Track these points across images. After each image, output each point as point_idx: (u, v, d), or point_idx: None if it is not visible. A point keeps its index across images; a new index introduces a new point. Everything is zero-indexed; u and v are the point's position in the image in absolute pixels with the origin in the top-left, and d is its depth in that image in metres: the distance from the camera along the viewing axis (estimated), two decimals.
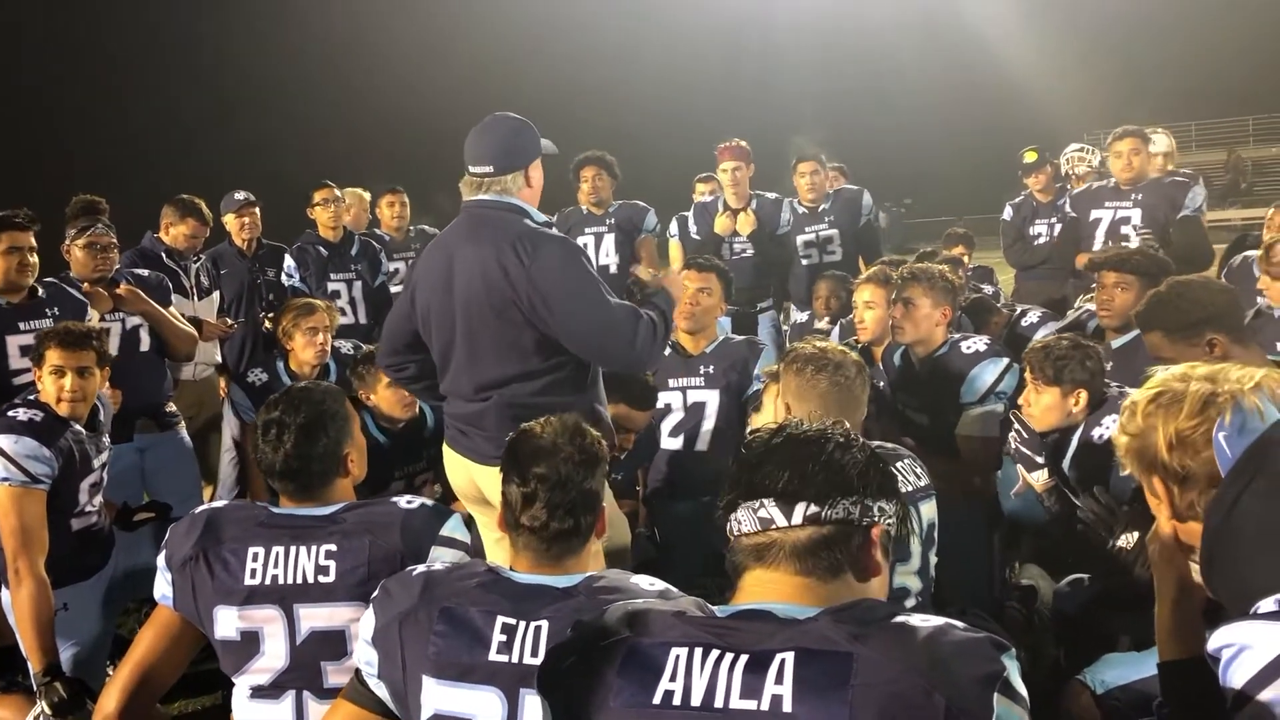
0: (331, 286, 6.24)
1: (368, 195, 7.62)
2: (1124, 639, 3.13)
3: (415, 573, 2.14)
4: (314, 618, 2.41)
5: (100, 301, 4.53)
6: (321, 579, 2.41)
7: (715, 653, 1.51)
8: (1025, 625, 3.64)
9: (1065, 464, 3.56)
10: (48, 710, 3.27)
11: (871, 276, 4.72)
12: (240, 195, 6.34)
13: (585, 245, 6.44)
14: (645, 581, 2.07)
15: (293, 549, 2.44)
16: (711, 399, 4.46)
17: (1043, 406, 3.52)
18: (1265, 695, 1.64)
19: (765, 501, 1.59)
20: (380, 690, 2.08)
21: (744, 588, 1.62)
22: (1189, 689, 1.88)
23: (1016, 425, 3.62)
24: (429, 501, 2.55)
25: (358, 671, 2.14)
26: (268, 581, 2.42)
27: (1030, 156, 7.18)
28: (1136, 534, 3.06)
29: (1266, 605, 1.68)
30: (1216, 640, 1.71)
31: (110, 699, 2.45)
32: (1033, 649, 3.58)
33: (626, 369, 3.54)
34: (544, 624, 1.96)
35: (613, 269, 6.37)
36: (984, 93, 34.65)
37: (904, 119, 36.26)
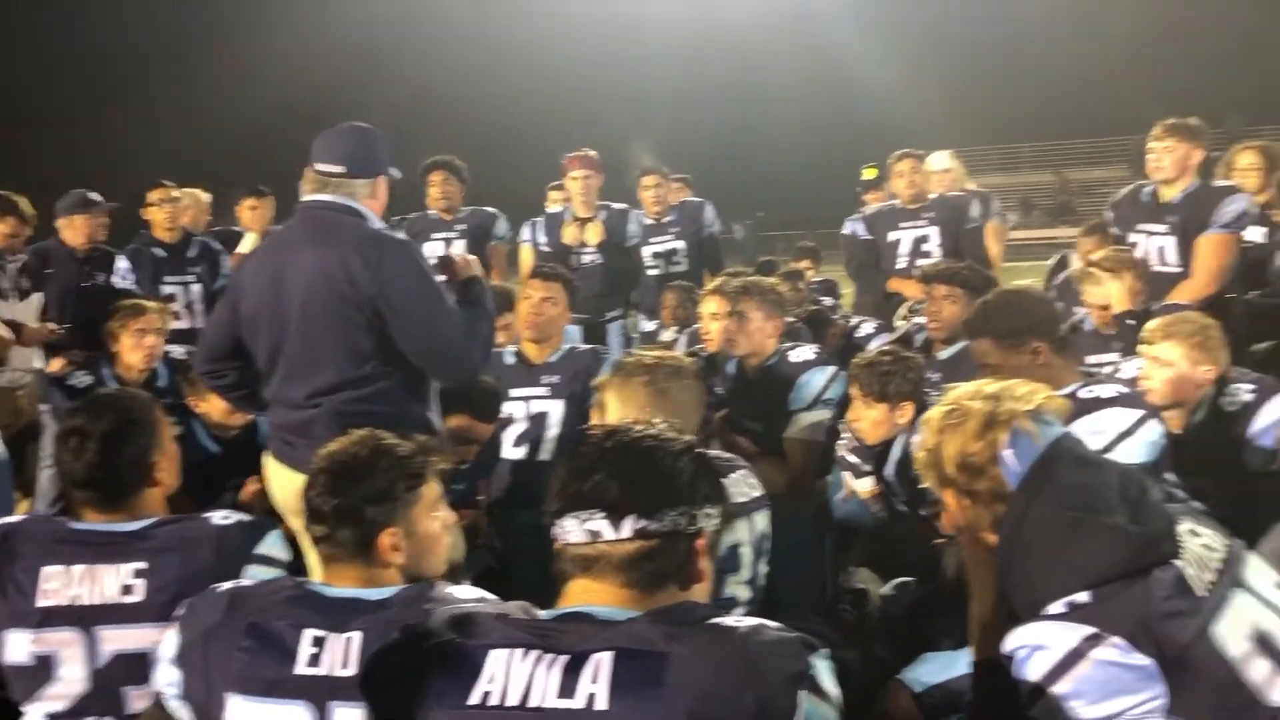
0: (166, 289, 6.02)
1: (207, 196, 7.35)
2: (946, 640, 3.26)
3: (221, 589, 2.06)
4: (118, 640, 2.30)
5: None
6: (127, 599, 2.29)
7: (535, 653, 1.54)
8: (857, 627, 3.75)
9: (889, 471, 3.69)
10: None
11: (717, 288, 4.81)
12: (93, 195, 6.00)
13: (434, 250, 6.38)
14: (461, 591, 2.04)
15: (96, 568, 2.31)
16: (555, 409, 4.45)
17: (871, 421, 3.65)
18: (1057, 689, 1.75)
19: (594, 513, 1.60)
20: (183, 713, 2.00)
21: (569, 593, 1.64)
22: (998, 686, 1.95)
23: (845, 436, 3.74)
24: (245, 517, 2.46)
25: (158, 696, 2.05)
26: (65, 602, 2.30)
27: (870, 173, 7.42)
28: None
29: (1056, 608, 1.78)
30: (1013, 641, 1.82)
31: None
32: (864, 650, 3.69)
33: (460, 379, 3.46)
34: (356, 635, 1.92)
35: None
36: (837, 109, 35.64)
37: (758, 134, 37.06)
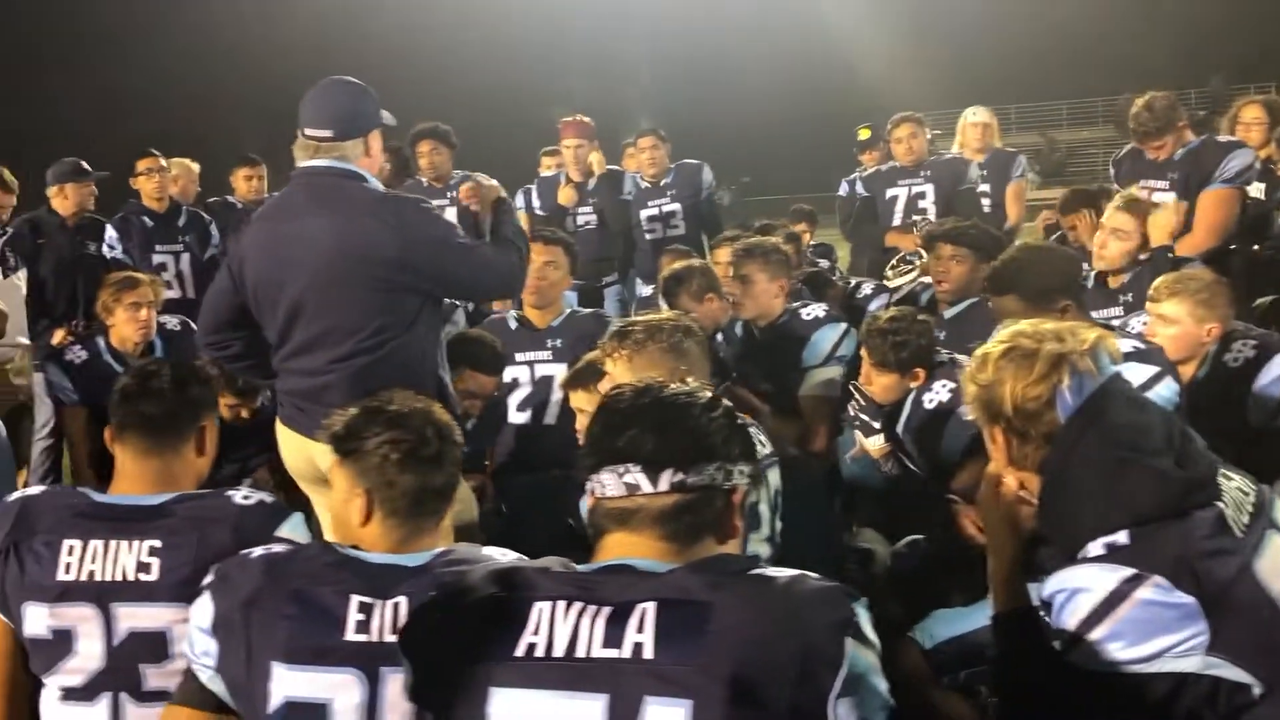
0: (157, 259, 5.97)
1: (196, 166, 7.25)
2: (956, 596, 3.27)
3: (254, 555, 2.03)
4: (133, 618, 2.26)
5: None
6: (143, 577, 2.25)
7: (579, 605, 1.53)
8: (864, 586, 3.77)
9: (899, 429, 3.69)
10: None
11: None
12: (83, 164, 5.93)
13: None
14: (497, 553, 2.04)
15: (113, 543, 2.27)
16: (559, 372, 4.42)
17: (882, 385, 3.65)
18: (1096, 633, 1.75)
19: (630, 466, 1.59)
20: (216, 685, 1.96)
21: (605, 547, 1.63)
22: (1021, 637, 1.97)
23: (856, 394, 3.72)
24: (267, 498, 2.42)
25: (189, 670, 2.02)
26: (83, 578, 2.26)
27: (864, 134, 7.41)
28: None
29: (1094, 549, 1.78)
30: (1050, 586, 1.81)
31: None
32: (872, 609, 3.71)
33: (510, 293, 3.59)
34: (402, 601, 1.91)
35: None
36: (821, 73, 35.54)
37: (741, 97, 36.89)
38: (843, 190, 6.92)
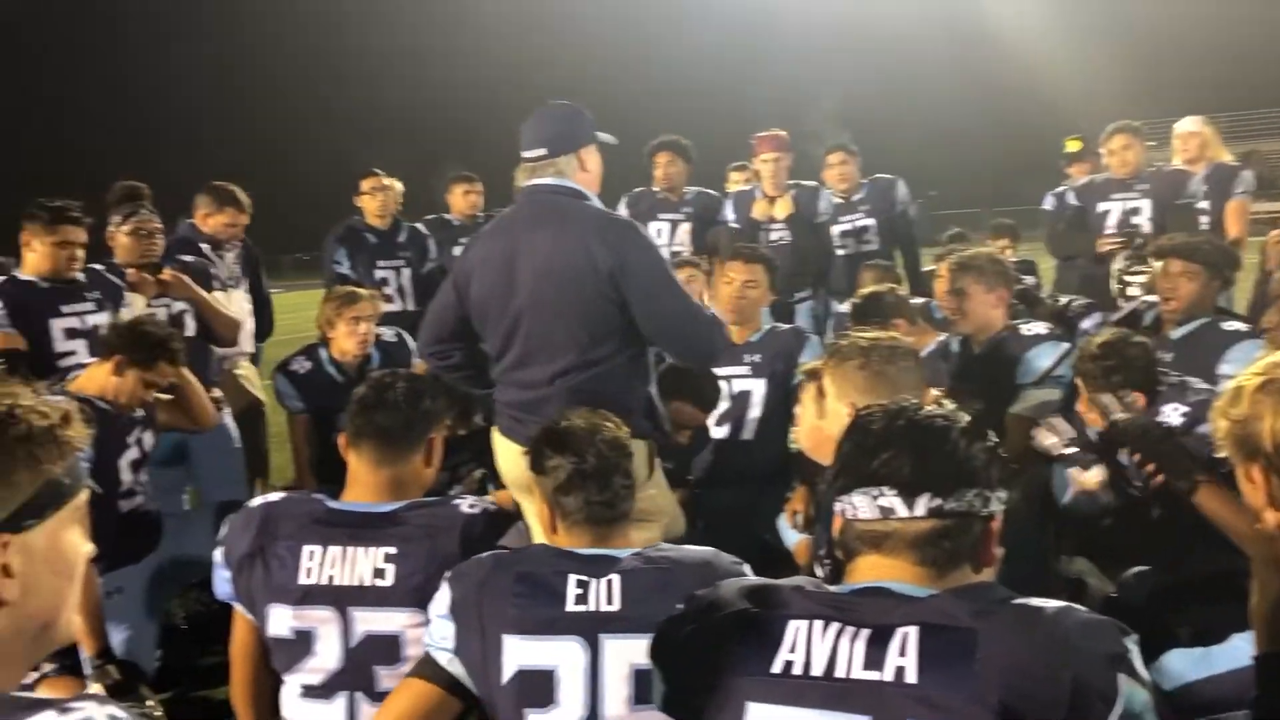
0: (379, 274, 6.24)
1: (400, 186, 7.54)
2: (1184, 631, 3.09)
3: (484, 556, 2.23)
4: (369, 621, 2.39)
5: (146, 287, 4.53)
6: (379, 582, 2.38)
7: (835, 625, 1.53)
8: None
9: (1123, 456, 3.50)
10: (102, 693, 3.27)
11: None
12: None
13: (659, 231, 6.46)
14: (694, 549, 2.18)
15: (349, 550, 2.41)
16: (757, 388, 4.43)
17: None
18: None
19: (885, 490, 1.57)
20: (455, 668, 2.11)
21: (858, 569, 1.62)
22: None
23: (1052, 429, 3.56)
24: (491, 506, 2.55)
25: (427, 653, 2.16)
26: (323, 581, 2.40)
27: (1073, 145, 7.13)
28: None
29: None
30: None
31: None
32: None
33: (700, 360, 3.50)
34: (615, 578, 2.09)
35: (685, 256, 6.26)
36: (1009, 85, 34.40)
37: (928, 111, 36.08)
38: (1048, 204, 6.67)
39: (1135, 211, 5.98)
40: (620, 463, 2.25)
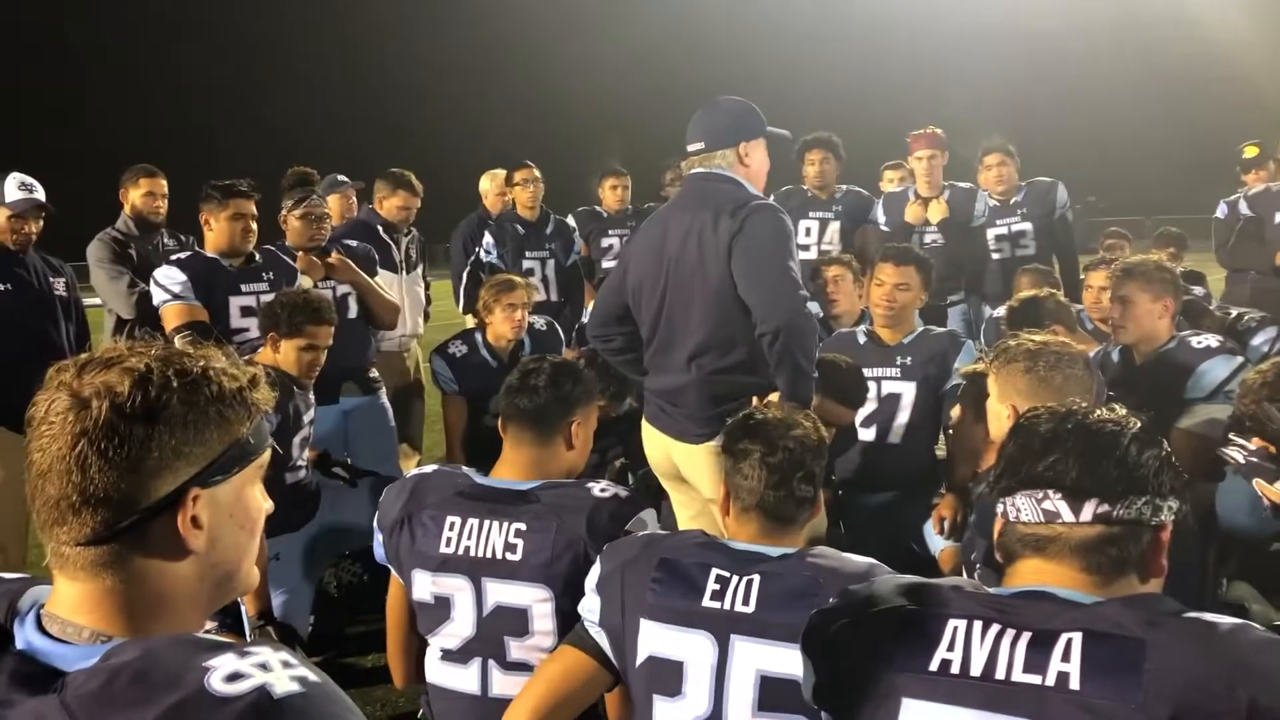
0: (526, 264, 6.38)
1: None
2: None
3: (637, 534, 2.29)
4: (499, 593, 2.47)
5: (314, 270, 4.74)
6: (509, 556, 2.47)
7: (995, 627, 1.50)
8: None
9: None
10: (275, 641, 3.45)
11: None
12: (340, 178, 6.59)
13: (808, 230, 6.43)
14: (855, 556, 2.12)
15: (486, 523, 2.50)
16: (908, 391, 4.35)
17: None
18: None
19: (1051, 493, 1.55)
20: (600, 638, 2.17)
21: (1019, 572, 1.60)
22: None
23: (1239, 441, 3.38)
24: (622, 491, 2.58)
25: (580, 620, 2.23)
26: (460, 551, 2.50)
27: (1251, 151, 6.76)
28: None
29: None
30: None
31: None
32: None
33: (780, 323, 3.18)
34: (756, 578, 2.06)
35: (835, 255, 6.22)
36: (1186, 85, 32.79)
37: (1089, 114, 34.71)
38: (1220, 212, 6.36)
39: None
40: (806, 462, 2.24)
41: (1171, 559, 2.93)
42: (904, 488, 4.28)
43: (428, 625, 2.58)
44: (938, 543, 3.92)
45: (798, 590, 2.01)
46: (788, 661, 1.90)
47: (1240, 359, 3.82)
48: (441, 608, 2.53)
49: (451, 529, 2.52)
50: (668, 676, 2.06)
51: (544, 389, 2.66)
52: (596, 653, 2.18)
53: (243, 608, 3.50)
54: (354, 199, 6.69)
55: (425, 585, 2.54)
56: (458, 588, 2.51)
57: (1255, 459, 3.36)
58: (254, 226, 4.58)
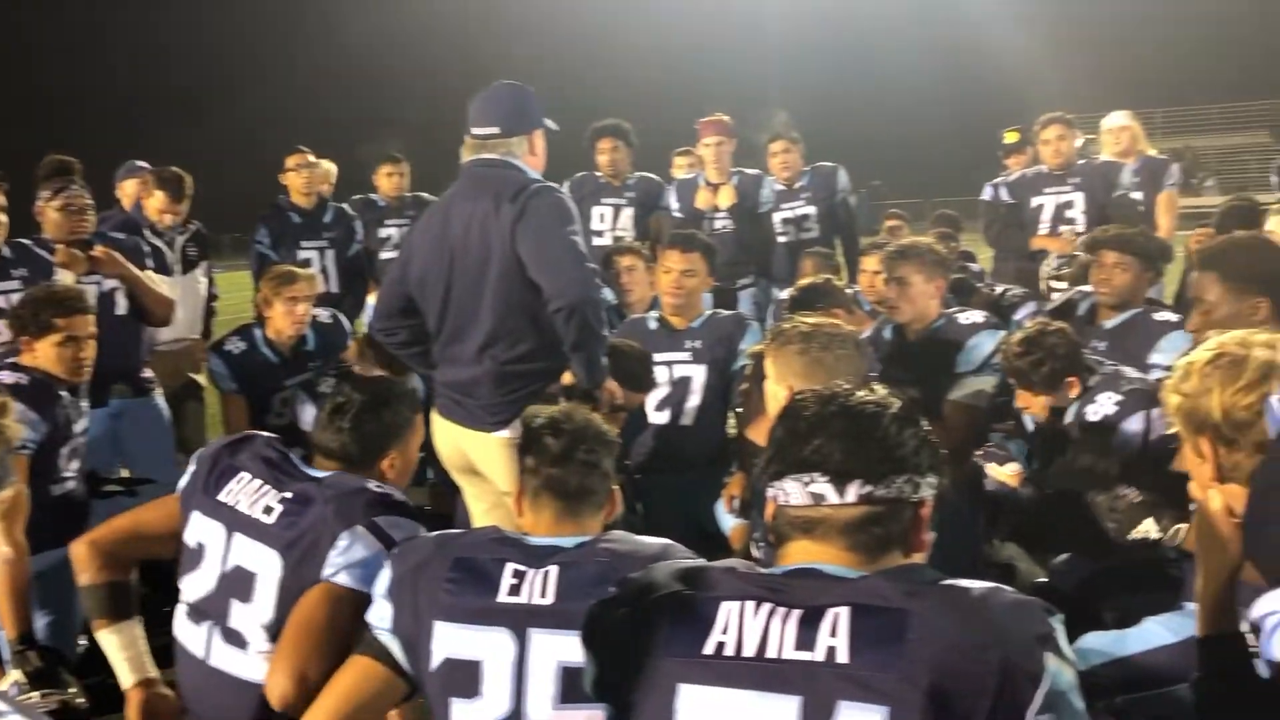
0: (302, 254, 6.11)
1: (334, 169, 7.44)
2: (1109, 617, 3.16)
3: (430, 534, 2.24)
4: (242, 552, 2.42)
5: (75, 264, 4.42)
6: (264, 518, 2.42)
7: (767, 606, 1.53)
8: None
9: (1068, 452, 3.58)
10: (23, 679, 3.20)
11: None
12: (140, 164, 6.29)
13: (601, 216, 6.47)
14: (649, 539, 2.13)
15: (265, 486, 2.47)
16: (698, 374, 4.44)
17: (1040, 405, 3.59)
18: None
19: (817, 476, 1.58)
20: (393, 645, 2.11)
21: (789, 554, 1.62)
22: (1230, 661, 1.89)
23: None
24: (399, 495, 2.54)
25: (369, 627, 2.15)
26: (232, 503, 2.47)
27: (1011, 137, 7.21)
28: (1146, 527, 3.07)
29: None
30: (1263, 606, 1.71)
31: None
32: None
33: (572, 301, 3.18)
34: (554, 569, 2.03)
35: (628, 242, 6.22)
36: (962, 72, 34.68)
37: (874, 97, 36.29)
38: (987, 194, 6.75)
39: (1069, 205, 6.06)
40: (589, 437, 2.23)
41: (947, 522, 3.11)
42: (698, 468, 4.37)
43: (183, 571, 2.51)
44: (728, 521, 4.01)
45: (595, 577, 2.00)
46: None
47: (1004, 332, 4.05)
48: (198, 554, 2.48)
49: (239, 482, 2.49)
50: (465, 678, 2.02)
51: (348, 430, 2.59)
52: (389, 660, 2.11)
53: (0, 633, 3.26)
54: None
55: (195, 526, 2.50)
56: (215, 537, 2.46)
57: (992, 447, 3.61)
58: (3, 219, 4.24)
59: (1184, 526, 2.78)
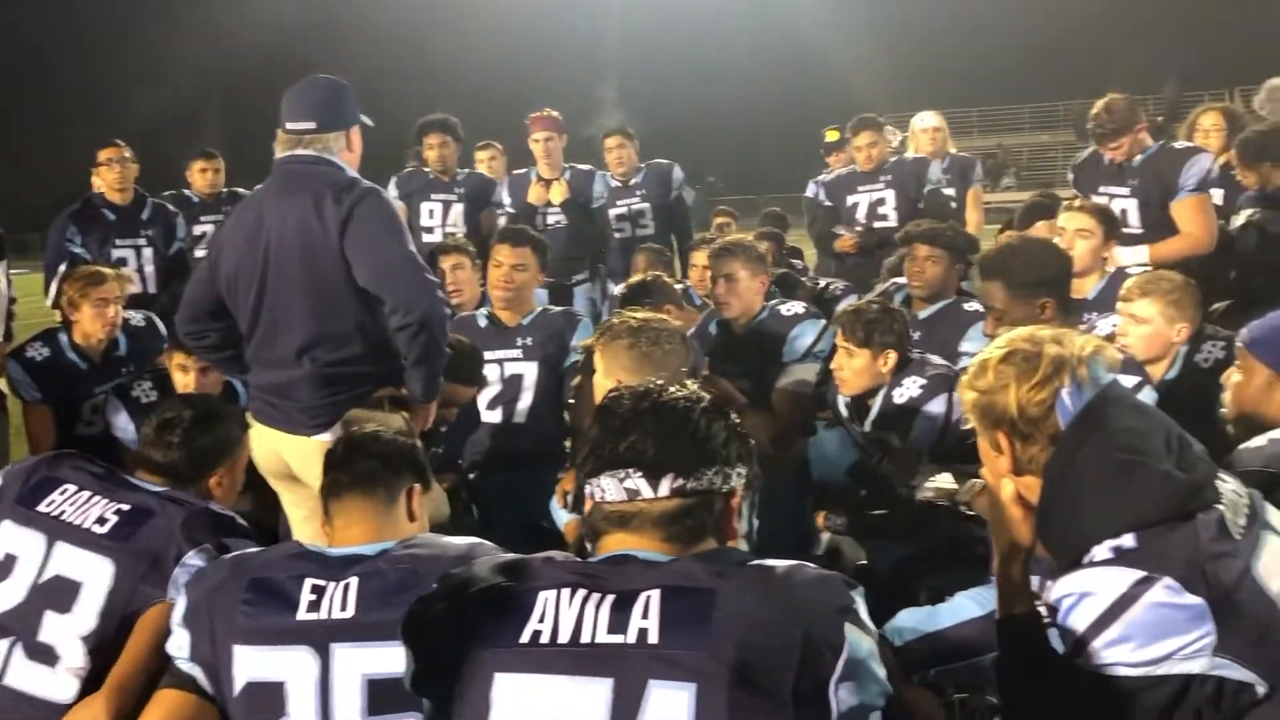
0: (116, 254, 5.83)
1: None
2: (923, 595, 3.30)
3: (227, 557, 2.19)
4: (64, 561, 2.35)
5: None
6: (95, 528, 2.36)
7: (582, 593, 1.57)
8: None
9: (869, 424, 3.72)
10: None
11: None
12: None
13: (432, 212, 6.38)
14: (459, 540, 2.13)
15: (96, 497, 2.42)
16: (529, 371, 4.41)
17: (854, 369, 3.68)
18: (1105, 636, 1.74)
19: (631, 472, 1.62)
20: (196, 673, 2.05)
21: (606, 546, 1.66)
22: (1028, 640, 1.96)
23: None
24: (239, 518, 2.53)
25: (170, 659, 2.09)
26: (56, 513, 2.40)
27: (832, 135, 7.46)
28: (942, 480, 3.20)
29: (1101, 553, 1.78)
30: (1057, 590, 1.81)
31: None
32: None
33: (420, 313, 3.12)
34: (353, 580, 2.01)
35: (457, 239, 6.17)
36: (793, 72, 35.58)
37: (709, 95, 36.88)
38: (810, 191, 6.97)
39: (881, 202, 6.35)
40: (378, 443, 2.24)
41: (775, 508, 3.19)
42: (533, 466, 4.34)
43: None
44: (562, 516, 4.01)
45: (397, 585, 1.98)
46: (393, 660, 1.85)
47: (824, 322, 4.21)
48: (6, 565, 2.37)
49: (62, 494, 2.42)
50: (269, 700, 1.97)
51: (178, 445, 2.57)
52: (195, 689, 2.05)
53: None
54: None
55: (7, 534, 2.40)
56: (31, 546, 2.37)
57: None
58: None
59: (979, 481, 2.91)
